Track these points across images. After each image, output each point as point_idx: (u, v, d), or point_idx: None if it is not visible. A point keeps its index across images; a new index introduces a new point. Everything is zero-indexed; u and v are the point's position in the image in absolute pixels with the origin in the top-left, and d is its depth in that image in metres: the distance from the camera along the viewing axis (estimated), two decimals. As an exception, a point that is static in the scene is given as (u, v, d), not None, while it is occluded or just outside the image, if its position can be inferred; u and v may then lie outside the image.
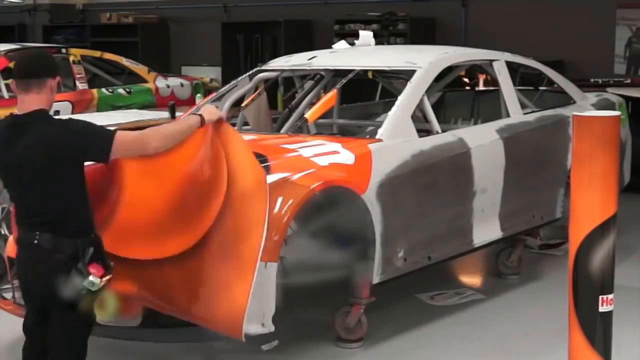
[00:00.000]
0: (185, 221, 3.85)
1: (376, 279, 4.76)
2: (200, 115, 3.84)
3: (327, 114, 5.93)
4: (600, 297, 3.50)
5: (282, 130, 5.42)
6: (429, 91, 5.60)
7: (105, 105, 9.26)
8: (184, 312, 3.99)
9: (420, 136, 5.20)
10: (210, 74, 12.00)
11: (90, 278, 3.41)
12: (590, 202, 3.44)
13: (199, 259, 3.87)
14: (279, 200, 4.20)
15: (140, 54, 12.63)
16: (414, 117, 5.28)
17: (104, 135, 3.55)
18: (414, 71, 5.44)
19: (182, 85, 10.28)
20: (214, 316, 3.89)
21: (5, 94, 8.58)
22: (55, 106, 8.81)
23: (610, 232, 3.47)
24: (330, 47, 6.42)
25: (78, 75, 9.28)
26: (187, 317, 4.00)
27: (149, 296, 4.03)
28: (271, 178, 4.32)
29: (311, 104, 5.65)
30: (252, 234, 3.79)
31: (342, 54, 6.13)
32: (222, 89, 6.35)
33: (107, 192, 3.91)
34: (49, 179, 3.48)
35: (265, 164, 4.46)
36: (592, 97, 7.07)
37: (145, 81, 10.01)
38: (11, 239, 4.46)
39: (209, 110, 3.91)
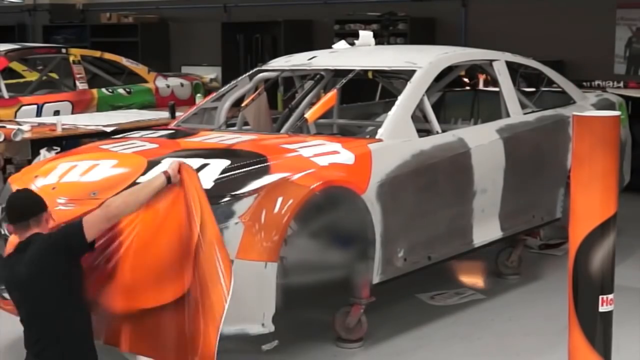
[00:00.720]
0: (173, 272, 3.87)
1: (376, 279, 4.76)
2: (165, 173, 3.87)
3: (327, 114, 5.93)
4: (600, 297, 3.50)
5: (282, 130, 5.42)
6: (429, 91, 5.60)
7: (105, 105, 9.27)
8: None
9: (420, 136, 5.20)
10: (210, 74, 12.00)
11: None
12: (590, 202, 3.44)
13: (174, 308, 3.86)
14: (279, 200, 4.20)
15: (140, 54, 12.63)
16: (414, 117, 5.28)
17: (74, 230, 3.70)
18: (414, 71, 5.44)
19: (182, 85, 10.29)
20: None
21: (5, 94, 8.59)
22: (55, 106, 8.95)
23: (610, 232, 3.47)
24: (330, 47, 6.42)
25: (78, 75, 9.29)
26: None
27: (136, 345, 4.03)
28: (271, 178, 4.33)
29: (311, 104, 5.65)
30: (217, 284, 3.78)
31: (342, 54, 6.13)
32: (222, 89, 6.35)
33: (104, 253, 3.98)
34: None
35: (265, 164, 4.47)
36: (592, 97, 7.07)
37: (145, 81, 10.02)
38: (11, 238, 4.46)
39: (172, 166, 3.91)
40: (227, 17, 12.96)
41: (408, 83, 5.34)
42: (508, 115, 5.95)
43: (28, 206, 3.78)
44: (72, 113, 8.78)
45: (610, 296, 3.52)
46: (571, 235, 3.52)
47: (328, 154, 4.69)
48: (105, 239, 3.93)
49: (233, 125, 6.02)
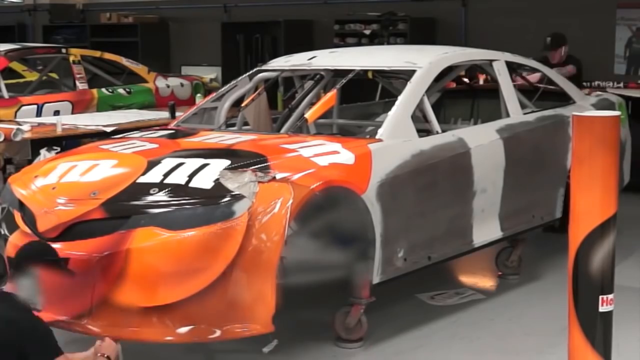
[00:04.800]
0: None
1: (376, 279, 4.76)
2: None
3: (327, 114, 5.93)
4: (600, 297, 3.50)
5: (282, 130, 5.42)
6: (429, 91, 5.60)
7: (105, 105, 9.27)
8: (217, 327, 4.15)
9: (420, 136, 5.20)
10: (210, 74, 12.00)
11: None
12: (590, 202, 3.44)
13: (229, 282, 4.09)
14: (279, 200, 4.20)
15: (140, 54, 12.62)
16: (414, 117, 5.28)
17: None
18: (414, 71, 5.44)
19: (182, 85, 10.28)
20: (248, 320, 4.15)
21: (5, 94, 8.59)
22: (55, 106, 8.95)
23: (610, 232, 3.47)
24: (330, 47, 6.41)
25: (78, 75, 9.29)
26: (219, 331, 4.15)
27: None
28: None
29: (311, 104, 5.65)
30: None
31: (342, 54, 6.13)
32: (222, 89, 6.35)
33: None
34: None
35: (265, 164, 4.47)
36: (592, 97, 7.07)
37: (145, 81, 10.01)
38: (11, 238, 4.46)
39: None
40: (227, 17, 12.97)
41: (408, 83, 5.34)
42: (508, 115, 5.95)
43: None
44: (72, 113, 8.78)
45: (610, 296, 3.52)
46: (571, 235, 3.52)
47: (328, 154, 4.69)
48: None
49: (233, 125, 6.02)
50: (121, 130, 6.66)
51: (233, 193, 4.20)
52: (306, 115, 5.40)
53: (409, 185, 4.93)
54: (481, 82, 8.59)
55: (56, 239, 4.29)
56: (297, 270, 4.38)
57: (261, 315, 4.16)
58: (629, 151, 7.10)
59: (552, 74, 6.80)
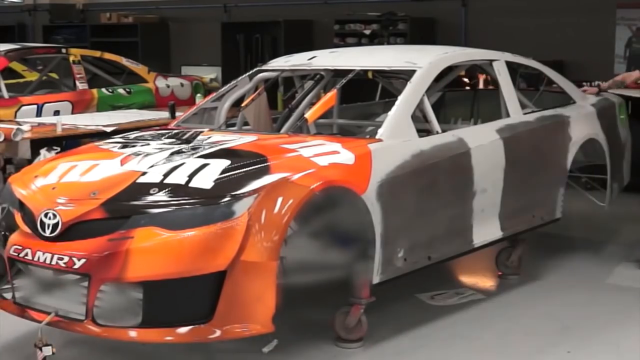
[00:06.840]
0: None
1: (376, 279, 4.76)
2: None
3: (327, 114, 5.92)
4: None
5: (282, 130, 5.42)
6: (429, 91, 5.60)
7: (105, 105, 9.27)
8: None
9: (420, 136, 5.20)
10: (210, 74, 12.01)
11: None
12: None
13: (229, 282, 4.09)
14: (279, 200, 4.20)
15: (140, 54, 12.64)
16: (414, 117, 5.28)
17: None
18: (414, 71, 5.44)
19: (182, 85, 10.28)
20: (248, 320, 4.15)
21: (5, 94, 8.59)
22: (55, 106, 8.95)
23: None
24: (330, 47, 6.41)
25: (78, 75, 9.29)
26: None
27: None
28: (271, 178, 4.33)
29: (311, 104, 5.65)
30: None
31: (342, 54, 6.14)
32: (222, 89, 6.35)
33: None
34: None
35: (265, 164, 4.47)
36: (592, 97, 7.06)
37: (145, 81, 10.01)
38: (11, 238, 4.46)
39: None
40: (227, 17, 12.98)
41: (408, 83, 5.34)
42: (508, 115, 5.95)
43: None
44: (72, 113, 8.78)
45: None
46: None
47: (328, 154, 4.69)
48: None
49: (233, 125, 6.02)
50: (121, 130, 6.66)
51: (233, 193, 4.20)
52: (306, 115, 5.40)
53: (409, 185, 4.93)
54: (481, 82, 8.59)
55: (56, 239, 4.29)
56: (297, 270, 4.38)
57: (261, 315, 4.16)
58: (629, 151, 7.10)
59: (552, 73, 6.79)
